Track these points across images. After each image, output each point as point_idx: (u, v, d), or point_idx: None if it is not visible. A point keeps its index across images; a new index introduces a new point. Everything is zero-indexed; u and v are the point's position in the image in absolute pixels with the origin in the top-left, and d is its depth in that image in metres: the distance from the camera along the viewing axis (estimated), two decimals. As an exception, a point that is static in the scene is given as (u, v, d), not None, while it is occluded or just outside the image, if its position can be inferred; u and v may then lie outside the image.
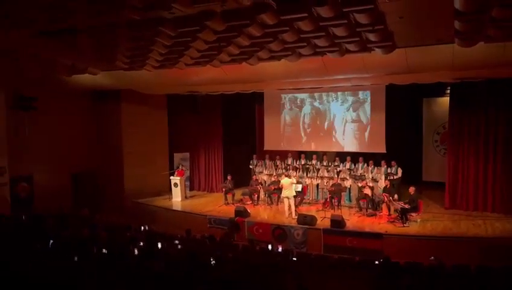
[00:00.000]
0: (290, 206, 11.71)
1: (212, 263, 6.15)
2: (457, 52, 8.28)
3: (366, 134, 13.51)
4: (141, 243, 7.50)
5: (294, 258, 7.91)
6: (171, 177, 14.67)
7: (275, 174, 13.73)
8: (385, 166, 12.41)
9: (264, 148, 15.28)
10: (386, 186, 11.64)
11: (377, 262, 7.42)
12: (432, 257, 7.20)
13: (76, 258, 6.06)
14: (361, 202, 11.83)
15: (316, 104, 14.29)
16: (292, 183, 11.75)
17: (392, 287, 5.60)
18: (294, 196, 11.76)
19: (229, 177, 13.89)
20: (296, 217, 11.26)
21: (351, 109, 13.71)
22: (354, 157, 13.33)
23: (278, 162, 14.22)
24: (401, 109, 14.07)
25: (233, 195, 13.65)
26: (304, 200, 12.96)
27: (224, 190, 13.80)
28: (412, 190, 10.78)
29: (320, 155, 14.13)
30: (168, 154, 16.13)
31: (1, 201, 11.67)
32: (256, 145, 16.21)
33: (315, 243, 10.36)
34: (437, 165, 14.05)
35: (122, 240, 8.03)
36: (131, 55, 9.50)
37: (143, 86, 13.66)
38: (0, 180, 11.79)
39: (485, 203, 11.60)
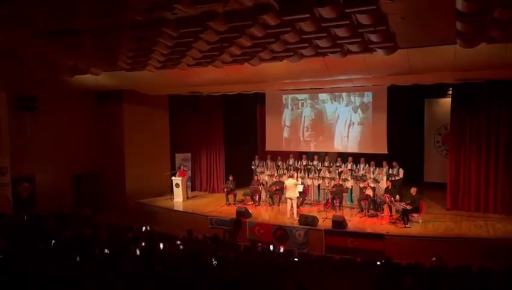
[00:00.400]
0: (292, 207, 11.71)
1: (213, 263, 6.15)
2: (459, 53, 8.27)
3: (368, 135, 13.50)
4: (143, 243, 7.51)
5: (296, 259, 7.91)
6: (173, 178, 14.69)
7: (276, 174, 13.74)
8: (387, 167, 12.40)
9: (266, 149, 15.28)
10: (388, 187, 11.63)
11: (378, 263, 7.42)
12: (434, 258, 7.19)
13: (78, 258, 6.07)
14: (362, 203, 11.83)
15: (318, 104, 14.28)
16: (296, 184, 11.76)
17: (394, 288, 5.60)
18: (297, 197, 11.77)
19: (230, 178, 13.90)
20: (298, 217, 11.26)
21: (352, 110, 13.70)
22: (356, 158, 13.32)
23: (280, 163, 14.22)
24: (402, 109, 14.05)
25: (235, 195, 13.65)
26: (305, 201, 12.96)
27: (225, 190, 13.81)
28: (413, 190, 10.77)
29: (322, 156, 14.14)
30: (170, 155, 16.16)
31: (3, 201, 11.70)
32: (258, 146, 16.22)
33: (316, 243, 10.36)
34: (439, 166, 14.03)
35: (124, 240, 8.04)
36: (134, 56, 9.51)
37: (145, 86, 13.68)
38: (2, 180, 11.83)
39: (487, 204, 11.59)
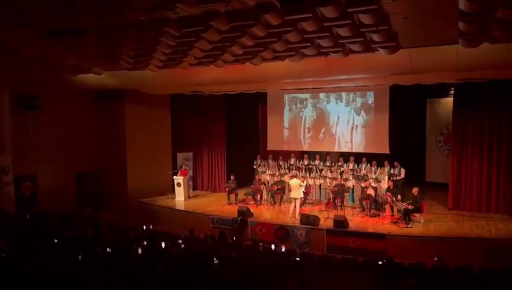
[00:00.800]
0: (295, 207, 11.71)
1: (215, 262, 6.16)
2: (462, 53, 8.25)
3: (370, 134, 13.47)
4: (145, 243, 7.52)
5: (297, 259, 7.91)
6: (174, 177, 14.71)
7: (277, 174, 13.74)
8: (388, 166, 12.38)
9: (267, 148, 15.28)
10: (389, 186, 11.61)
11: (380, 263, 7.42)
12: (435, 258, 7.19)
13: (80, 257, 6.09)
14: (364, 203, 11.83)
15: (319, 104, 14.26)
16: (300, 185, 11.76)
17: (395, 287, 5.60)
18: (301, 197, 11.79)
19: (232, 177, 13.92)
20: (299, 217, 11.26)
21: (354, 110, 13.68)
22: (357, 157, 13.31)
23: (281, 162, 14.23)
24: (404, 109, 14.01)
25: (237, 195, 13.67)
26: (306, 201, 12.96)
27: (227, 189, 13.82)
28: (415, 190, 10.76)
29: (324, 155, 14.13)
30: (171, 154, 16.17)
31: (6, 200, 11.72)
32: (260, 145, 16.21)
33: (318, 243, 10.36)
34: (440, 165, 14.01)
35: (125, 239, 8.06)
36: (135, 55, 9.51)
37: (147, 85, 13.70)
38: (5, 179, 11.85)
39: (489, 204, 11.57)
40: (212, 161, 16.28)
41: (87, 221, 9.85)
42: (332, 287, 5.60)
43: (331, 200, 12.34)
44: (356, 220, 11.26)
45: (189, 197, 14.83)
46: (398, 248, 9.32)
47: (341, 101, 13.89)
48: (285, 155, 14.60)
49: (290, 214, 11.75)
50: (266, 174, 14.22)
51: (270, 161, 14.47)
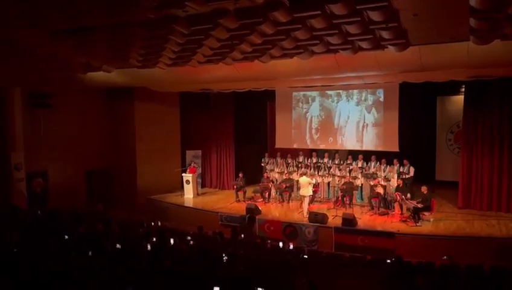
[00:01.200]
0: (303, 204, 11.71)
1: (224, 259, 6.20)
2: (472, 50, 8.16)
3: (379, 132, 13.40)
4: (154, 239, 7.59)
5: (305, 256, 7.92)
6: (183, 174, 14.81)
7: (286, 172, 13.73)
8: (397, 165, 12.30)
9: (276, 146, 15.28)
10: (399, 185, 11.54)
11: (388, 261, 7.40)
12: (445, 257, 7.14)
13: (90, 253, 6.16)
14: (373, 201, 11.78)
15: (328, 102, 14.22)
16: (310, 183, 11.75)
17: (404, 286, 5.58)
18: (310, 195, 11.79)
19: (240, 175, 13.95)
20: (307, 215, 11.26)
21: (363, 107, 13.61)
22: (366, 155, 13.24)
23: (290, 160, 14.22)
24: (414, 107, 13.91)
25: (245, 192, 13.69)
26: (315, 199, 12.94)
27: (235, 187, 13.86)
28: (424, 189, 10.68)
29: (332, 153, 14.08)
30: (181, 152, 16.26)
31: (18, 196, 11.91)
32: (268, 143, 16.22)
33: (326, 241, 10.35)
34: (450, 164, 13.89)
35: (135, 235, 8.13)
36: (145, 53, 9.57)
37: (156, 83, 13.77)
38: (17, 175, 12.03)
39: (499, 203, 11.45)
40: (221, 159, 16.33)
41: (97, 217, 9.96)
42: (341, 286, 5.60)
43: (340, 198, 12.31)
44: (365, 219, 11.23)
45: (197, 194, 14.92)
46: (407, 247, 9.27)
47: (349, 99, 13.83)
48: (294, 153, 14.59)
49: (305, 212, 11.69)
50: (274, 172, 14.23)
51: (279, 159, 14.47)
